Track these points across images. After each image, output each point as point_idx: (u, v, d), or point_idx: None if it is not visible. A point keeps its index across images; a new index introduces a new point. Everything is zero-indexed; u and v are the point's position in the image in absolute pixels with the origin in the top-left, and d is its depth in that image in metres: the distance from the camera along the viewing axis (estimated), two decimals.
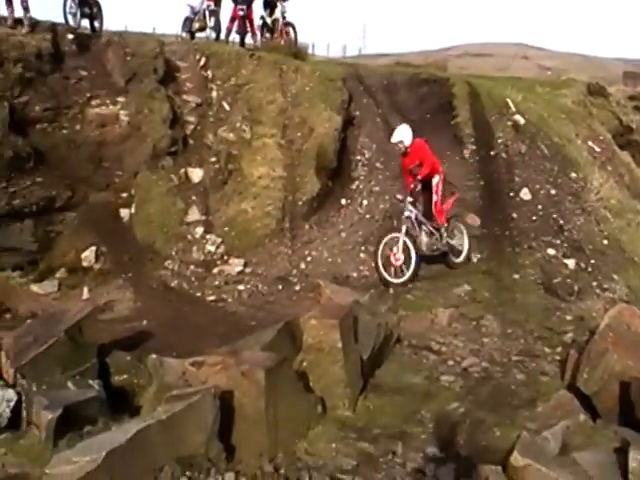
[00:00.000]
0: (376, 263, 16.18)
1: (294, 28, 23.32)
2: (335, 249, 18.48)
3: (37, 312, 15.52)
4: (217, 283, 17.53)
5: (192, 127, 19.87)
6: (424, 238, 16.35)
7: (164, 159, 18.99)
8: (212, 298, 16.99)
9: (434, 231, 16.47)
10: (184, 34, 23.68)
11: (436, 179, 16.42)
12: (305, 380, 10.79)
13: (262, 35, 23.61)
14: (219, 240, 18.40)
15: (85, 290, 16.68)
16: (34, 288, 16.80)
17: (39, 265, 17.25)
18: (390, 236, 16.17)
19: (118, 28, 24.85)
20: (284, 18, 23.38)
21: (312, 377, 10.92)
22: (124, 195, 18.66)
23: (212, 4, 22.61)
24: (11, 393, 10.42)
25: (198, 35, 23.52)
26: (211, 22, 23.11)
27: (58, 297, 16.65)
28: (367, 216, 19.37)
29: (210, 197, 18.82)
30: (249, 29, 23.31)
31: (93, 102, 18.94)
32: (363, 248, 18.42)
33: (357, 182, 20.09)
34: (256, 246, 18.23)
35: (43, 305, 16.11)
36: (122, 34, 20.88)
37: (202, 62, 20.75)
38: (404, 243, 15.83)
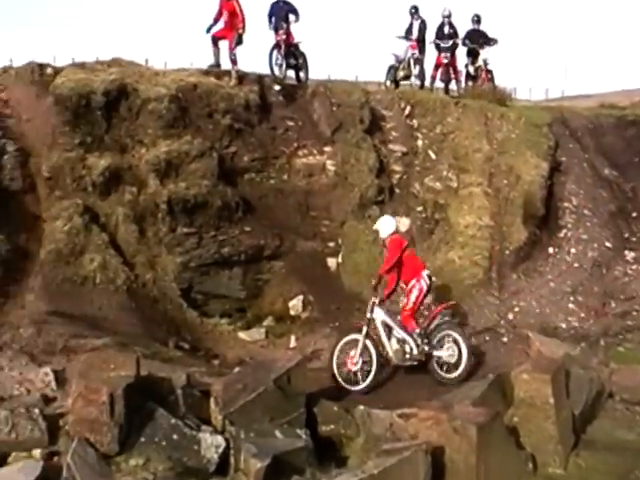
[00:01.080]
0: (330, 364, 14.93)
1: (493, 75, 24.36)
2: (543, 299, 18.66)
3: (245, 359, 16.57)
4: None
5: (398, 176, 20.78)
6: (393, 345, 15.02)
7: (371, 208, 19.92)
8: None
9: (407, 338, 14.94)
10: (388, 83, 24.84)
11: (412, 282, 15.26)
12: (516, 436, 11.20)
13: (465, 82, 24.70)
14: None
15: (292, 338, 17.59)
16: (242, 335, 17.87)
17: (247, 313, 18.67)
18: (349, 338, 15.09)
19: (322, 77, 26.73)
20: (487, 65, 24.44)
21: (523, 432, 11.20)
22: (331, 244, 19.65)
23: (416, 52, 23.91)
24: (220, 439, 11.09)
25: (402, 83, 24.68)
26: (415, 70, 24.15)
27: (265, 345, 17.62)
28: (575, 265, 19.46)
29: (417, 246, 19.12)
30: (453, 76, 24.73)
31: (300, 152, 20.48)
32: (572, 298, 18.65)
33: (565, 230, 20.19)
34: (463, 296, 18.40)
35: (251, 352, 17.12)
36: (327, 84, 22.67)
37: (407, 111, 21.72)
38: (364, 346, 14.77)
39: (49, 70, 20.11)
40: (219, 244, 18.53)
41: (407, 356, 14.86)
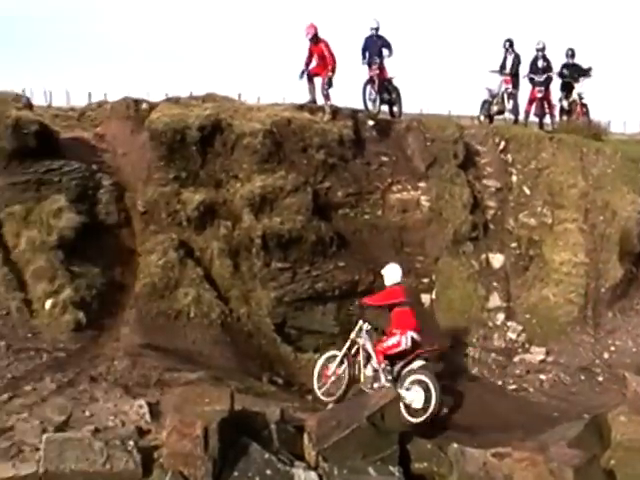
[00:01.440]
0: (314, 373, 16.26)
1: (587, 109, 23.99)
2: None
3: None
4: (518, 372, 17.95)
5: (492, 212, 20.65)
6: (367, 371, 15.64)
7: (465, 244, 19.87)
8: (513, 387, 17.49)
9: (380, 370, 15.43)
10: (482, 117, 24.79)
11: (396, 332, 15.53)
12: (612, 479, 10.10)
13: (560, 116, 24.45)
14: (520, 327, 18.87)
15: None
16: None
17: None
18: (330, 353, 16.31)
19: (415, 111, 26.73)
20: (581, 99, 24.14)
21: (620, 476, 11.00)
22: (425, 280, 19.55)
23: (510, 87, 23.92)
24: (313, 475, 11.19)
25: (496, 118, 24.73)
26: (509, 105, 24.12)
27: None
28: None
29: (511, 283, 19.38)
30: (547, 110, 24.40)
31: (394, 187, 20.49)
32: None
33: None
34: (558, 334, 18.48)
35: None
36: (421, 119, 22.80)
37: (501, 146, 21.63)
38: (340, 363, 15.87)
39: (144, 105, 20.54)
40: (313, 279, 18.53)
41: (375, 385, 15.24)
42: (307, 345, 18.14)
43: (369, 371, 15.49)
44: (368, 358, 15.55)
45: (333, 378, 15.72)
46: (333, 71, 21.12)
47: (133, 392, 13.83)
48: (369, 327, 15.81)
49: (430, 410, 14.56)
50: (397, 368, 15.30)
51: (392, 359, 15.40)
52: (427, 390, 14.68)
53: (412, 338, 15.34)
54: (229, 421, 11.25)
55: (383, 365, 15.32)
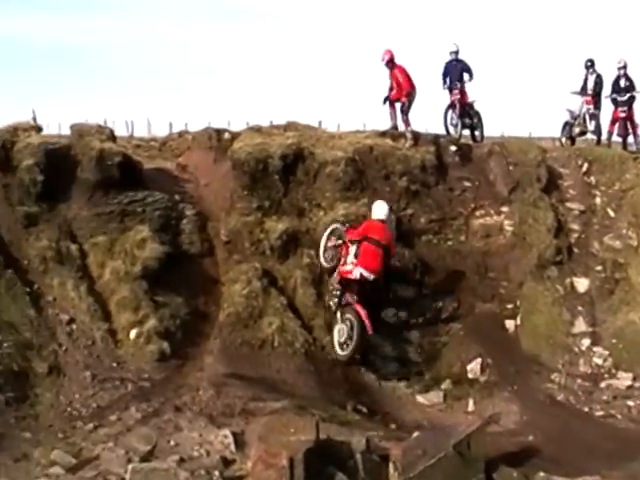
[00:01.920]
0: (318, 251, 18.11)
1: None
2: None
3: (422, 423, 16.37)
4: (605, 398, 17.48)
5: (576, 235, 20.33)
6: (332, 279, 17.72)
7: (549, 269, 19.57)
8: (600, 413, 17.02)
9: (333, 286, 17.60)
10: (564, 139, 24.56)
11: (351, 262, 17.19)
12: None
13: None
14: (606, 352, 18.44)
15: (470, 402, 17.28)
16: (419, 399, 17.53)
17: (424, 376, 18.14)
18: (334, 226, 17.99)
19: (495, 134, 26.68)
20: None
21: None
22: (509, 306, 19.26)
23: (592, 107, 23.46)
24: None
25: (579, 139, 24.51)
26: (591, 126, 23.87)
27: (443, 409, 17.28)
28: None
29: (596, 307, 19.01)
30: (631, 130, 23.81)
31: (477, 213, 20.40)
32: None
33: None
34: None
35: (428, 416, 16.88)
36: (503, 143, 22.57)
37: (584, 168, 21.40)
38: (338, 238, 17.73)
39: (226, 135, 20.76)
40: (396, 306, 18.39)
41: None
42: (391, 373, 17.88)
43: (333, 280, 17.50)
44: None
45: (333, 250, 17.66)
46: (408, 97, 21.15)
47: (218, 422, 13.89)
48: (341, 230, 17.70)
49: (352, 347, 16.53)
50: (343, 300, 16.97)
51: (344, 287, 17.00)
52: (351, 329, 16.52)
53: (361, 274, 16.66)
54: (314, 451, 11.27)
55: (337, 286, 17.14)
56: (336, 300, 17.12)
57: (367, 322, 16.48)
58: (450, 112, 22.20)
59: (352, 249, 17.03)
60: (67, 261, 17.21)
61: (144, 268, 17.19)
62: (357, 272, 16.70)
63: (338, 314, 17.02)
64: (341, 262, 17.29)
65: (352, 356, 16.80)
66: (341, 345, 16.81)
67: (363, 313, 16.47)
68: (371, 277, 16.78)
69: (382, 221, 17.30)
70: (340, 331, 16.82)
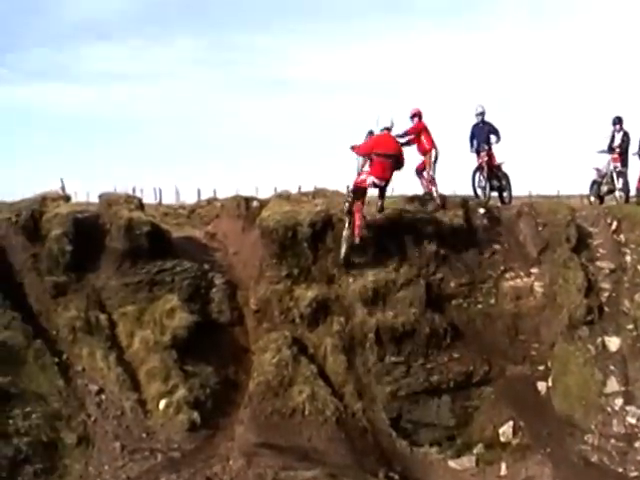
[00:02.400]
0: None
1: None
2: None
3: None
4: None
5: (607, 294, 20.04)
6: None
7: (580, 329, 19.35)
8: (634, 474, 17.00)
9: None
10: (592, 198, 24.34)
11: (366, 171, 19.28)
12: None
13: None
14: None
15: (503, 466, 17.32)
16: (452, 464, 17.62)
17: (457, 440, 18.21)
18: None
19: (523, 192, 26.61)
20: None
21: None
22: (540, 367, 19.15)
23: (619, 165, 23.23)
24: None
25: (607, 198, 23.99)
26: (619, 184, 23.43)
27: (476, 473, 17.38)
28: None
29: (629, 366, 18.70)
30: None
31: (507, 275, 20.28)
32: None
33: None
34: None
35: None
36: (532, 203, 22.49)
37: (614, 226, 21.20)
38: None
39: (255, 203, 20.94)
40: (428, 372, 18.39)
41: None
42: (423, 439, 17.94)
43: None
44: None
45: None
46: (432, 158, 21.25)
47: None
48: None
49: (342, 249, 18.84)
50: (352, 208, 18.69)
51: (355, 195, 18.91)
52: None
53: (373, 182, 18.87)
54: None
55: (350, 194, 19.02)
56: (347, 206, 18.83)
57: (357, 230, 18.64)
58: (478, 174, 22.26)
59: (366, 162, 19.44)
60: (96, 331, 17.36)
61: (173, 337, 17.28)
62: (370, 180, 18.90)
63: (347, 220, 18.91)
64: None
65: (343, 257, 18.98)
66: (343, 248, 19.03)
67: (358, 222, 18.69)
68: (382, 184, 19.17)
69: (388, 129, 19.35)
70: (345, 235, 18.87)
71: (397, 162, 19.15)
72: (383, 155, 18.81)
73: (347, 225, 18.88)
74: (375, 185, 19.05)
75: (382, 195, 19.55)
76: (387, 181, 19.24)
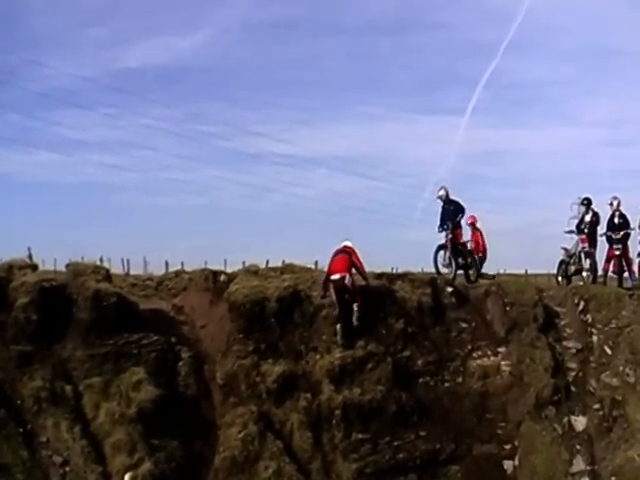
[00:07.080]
0: None
1: None
2: None
3: None
4: None
5: (574, 373, 20.55)
6: None
7: (547, 408, 19.72)
8: None
9: None
10: (560, 278, 24.83)
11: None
12: None
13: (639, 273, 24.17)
14: None
15: None
16: None
17: None
18: None
19: (491, 271, 26.77)
20: None
21: None
22: (507, 446, 19.47)
23: (587, 245, 23.80)
24: None
25: (575, 278, 24.43)
26: (587, 264, 23.85)
27: None
28: None
29: (595, 445, 19.19)
30: (626, 268, 24.10)
31: (474, 354, 20.60)
32: None
33: None
34: None
35: None
36: (500, 283, 22.91)
37: (581, 306, 21.68)
38: None
39: (222, 277, 21.17)
40: (395, 449, 18.57)
41: None
42: None
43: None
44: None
45: None
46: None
47: None
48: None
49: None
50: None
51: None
52: None
53: (335, 280, 19.60)
54: None
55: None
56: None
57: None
58: (441, 252, 22.88)
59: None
60: (61, 402, 17.40)
61: (139, 410, 17.34)
62: (334, 278, 19.61)
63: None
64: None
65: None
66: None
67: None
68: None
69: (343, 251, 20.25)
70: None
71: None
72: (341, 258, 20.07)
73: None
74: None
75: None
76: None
